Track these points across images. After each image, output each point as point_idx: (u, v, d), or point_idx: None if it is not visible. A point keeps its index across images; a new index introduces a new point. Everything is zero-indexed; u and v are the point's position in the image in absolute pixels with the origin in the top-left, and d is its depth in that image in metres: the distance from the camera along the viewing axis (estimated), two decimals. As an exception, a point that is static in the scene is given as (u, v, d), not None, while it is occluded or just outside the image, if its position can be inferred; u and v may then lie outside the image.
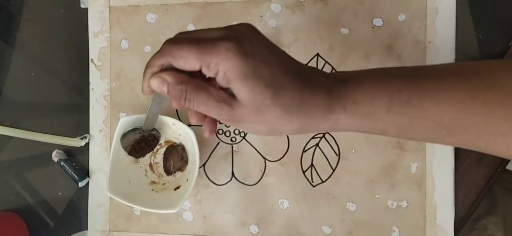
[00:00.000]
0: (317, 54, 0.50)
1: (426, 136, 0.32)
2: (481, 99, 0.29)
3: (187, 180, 0.48)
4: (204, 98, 0.31)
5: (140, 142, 0.48)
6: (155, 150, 0.52)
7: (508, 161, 0.47)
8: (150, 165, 0.52)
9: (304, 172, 0.50)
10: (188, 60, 0.31)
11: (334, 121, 0.32)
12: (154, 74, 0.33)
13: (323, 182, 0.50)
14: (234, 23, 0.51)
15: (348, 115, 0.31)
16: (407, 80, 0.31)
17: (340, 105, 0.31)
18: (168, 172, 0.52)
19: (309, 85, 0.31)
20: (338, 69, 0.49)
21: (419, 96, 0.30)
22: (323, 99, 0.31)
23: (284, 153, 0.51)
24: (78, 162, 0.56)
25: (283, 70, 0.31)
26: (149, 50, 0.53)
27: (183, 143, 0.51)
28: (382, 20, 0.49)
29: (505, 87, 0.29)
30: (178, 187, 0.49)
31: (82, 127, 0.55)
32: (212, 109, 0.32)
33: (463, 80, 0.30)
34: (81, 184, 0.54)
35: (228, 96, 0.31)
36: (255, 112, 0.31)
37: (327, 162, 0.50)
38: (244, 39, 0.31)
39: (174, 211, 0.46)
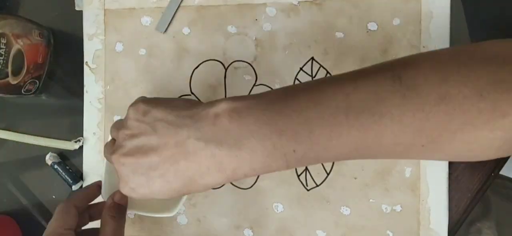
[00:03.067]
0: (312, 58, 0.50)
1: (328, 161, 0.35)
2: (373, 133, 0.30)
3: None
4: None
5: None
6: None
7: (502, 166, 0.48)
8: None
9: (298, 175, 0.50)
10: None
11: (237, 178, 0.33)
12: None
13: (317, 186, 0.50)
14: (229, 27, 0.52)
15: (248, 175, 0.32)
16: (300, 137, 0.31)
17: (237, 174, 0.32)
18: None
19: (196, 175, 0.33)
20: (332, 73, 0.49)
21: (314, 150, 0.31)
22: (218, 175, 0.32)
23: (278, 156, 0.50)
24: (72, 165, 0.55)
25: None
26: (144, 53, 0.53)
27: None
28: (377, 24, 0.49)
29: (393, 117, 0.29)
30: None
31: (76, 130, 0.55)
32: None
33: (354, 118, 0.30)
34: (74, 187, 0.54)
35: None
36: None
37: (322, 166, 0.50)
38: None
39: (169, 215, 0.45)
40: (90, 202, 0.46)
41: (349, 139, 0.30)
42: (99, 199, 0.47)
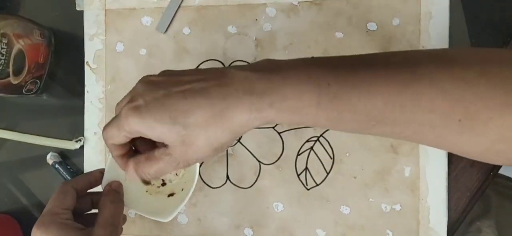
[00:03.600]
0: (312, 58, 0.50)
1: (355, 128, 0.32)
2: (410, 91, 0.29)
3: (183, 189, 0.48)
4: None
5: None
6: None
7: (501, 165, 0.48)
8: None
9: (298, 175, 0.50)
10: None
11: (260, 119, 0.31)
12: None
13: (317, 185, 0.50)
14: (229, 27, 0.52)
15: (276, 111, 0.31)
16: (336, 72, 0.31)
17: (265, 102, 0.31)
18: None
19: (220, 102, 0.31)
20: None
21: (348, 89, 0.30)
22: (243, 103, 0.31)
23: (278, 156, 0.51)
24: (72, 164, 0.56)
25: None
26: (144, 53, 0.53)
27: None
28: (377, 25, 0.49)
29: (433, 79, 0.29)
30: (172, 194, 0.49)
31: (77, 130, 0.55)
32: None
33: (392, 71, 0.30)
34: (75, 186, 0.54)
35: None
36: (181, 145, 0.32)
37: (322, 166, 0.50)
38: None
39: (165, 220, 0.45)
40: (91, 187, 0.46)
41: (385, 88, 0.29)
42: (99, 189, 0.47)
